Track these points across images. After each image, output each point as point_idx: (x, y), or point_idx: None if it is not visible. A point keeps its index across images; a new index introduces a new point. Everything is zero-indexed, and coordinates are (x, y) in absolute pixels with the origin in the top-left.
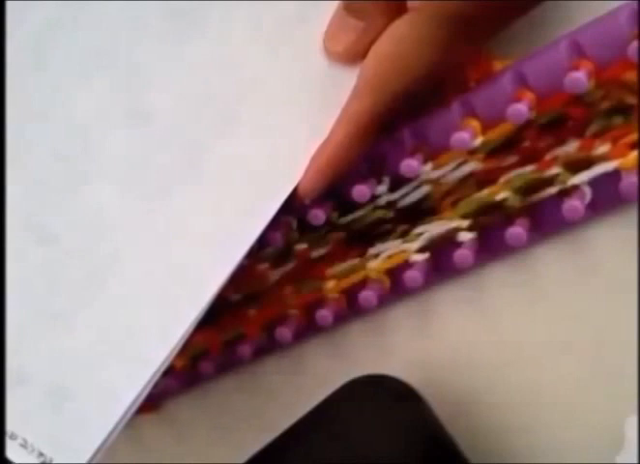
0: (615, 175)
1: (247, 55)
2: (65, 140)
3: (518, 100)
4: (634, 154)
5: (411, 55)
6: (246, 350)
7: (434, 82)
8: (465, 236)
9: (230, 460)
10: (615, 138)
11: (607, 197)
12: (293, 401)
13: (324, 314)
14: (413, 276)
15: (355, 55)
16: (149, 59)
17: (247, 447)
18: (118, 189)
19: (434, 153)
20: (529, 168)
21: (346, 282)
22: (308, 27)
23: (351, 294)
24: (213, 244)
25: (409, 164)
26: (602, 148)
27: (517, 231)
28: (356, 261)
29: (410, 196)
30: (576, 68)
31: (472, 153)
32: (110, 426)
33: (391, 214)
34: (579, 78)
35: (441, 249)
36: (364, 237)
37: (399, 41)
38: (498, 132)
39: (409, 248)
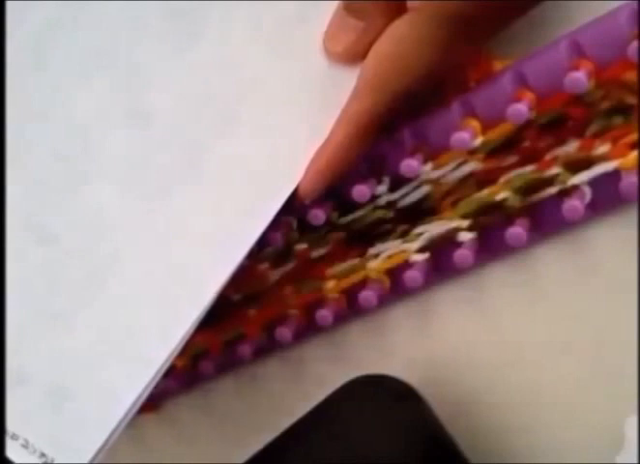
0: (615, 175)
1: (247, 55)
2: (65, 140)
3: (518, 100)
4: (634, 154)
5: (411, 55)
6: (246, 350)
7: (434, 82)
8: (465, 236)
9: (230, 460)
10: (615, 138)
11: (607, 197)
12: (293, 401)
13: (324, 314)
14: (413, 276)
15: (355, 55)
16: (149, 59)
17: (248, 447)
18: (118, 189)
19: (434, 153)
20: (529, 168)
21: (346, 282)
22: (308, 27)
23: (351, 294)
24: (213, 244)
25: (409, 164)
26: (602, 148)
27: (517, 231)
28: (356, 261)
29: (410, 196)
30: (576, 68)
31: (472, 153)
32: (111, 427)
33: (391, 214)
34: (579, 78)
35: (441, 249)
36: (364, 237)
37: (399, 41)
38: (498, 132)
39: (409, 248)
